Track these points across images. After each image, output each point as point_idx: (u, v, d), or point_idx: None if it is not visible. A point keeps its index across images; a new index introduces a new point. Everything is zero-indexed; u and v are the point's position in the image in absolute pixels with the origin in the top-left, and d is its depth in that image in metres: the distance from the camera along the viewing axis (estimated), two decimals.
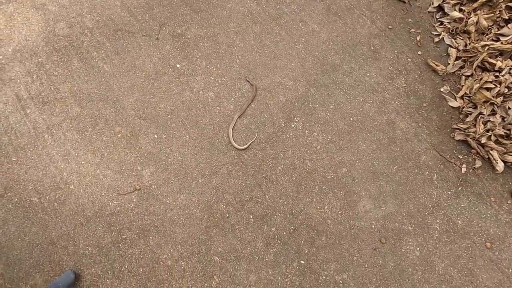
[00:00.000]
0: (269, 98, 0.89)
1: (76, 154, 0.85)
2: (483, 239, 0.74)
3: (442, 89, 0.88)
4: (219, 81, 0.92)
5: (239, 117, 0.87)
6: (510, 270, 0.71)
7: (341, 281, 0.71)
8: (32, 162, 0.85)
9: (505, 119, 0.79)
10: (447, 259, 0.73)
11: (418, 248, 0.74)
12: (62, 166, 0.84)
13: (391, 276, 0.71)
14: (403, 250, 0.74)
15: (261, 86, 0.91)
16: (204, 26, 0.99)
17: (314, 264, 0.73)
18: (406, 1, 1.00)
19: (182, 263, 0.75)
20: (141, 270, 0.74)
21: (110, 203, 0.80)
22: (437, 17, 0.97)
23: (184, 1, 1.03)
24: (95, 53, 0.97)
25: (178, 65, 0.94)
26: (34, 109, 0.91)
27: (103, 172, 0.83)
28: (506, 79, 0.82)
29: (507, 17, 0.88)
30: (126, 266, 0.75)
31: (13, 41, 1.00)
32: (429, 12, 0.98)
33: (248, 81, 0.91)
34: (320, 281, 0.72)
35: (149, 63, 0.95)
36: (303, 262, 0.74)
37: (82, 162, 0.84)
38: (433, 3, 0.98)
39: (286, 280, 0.72)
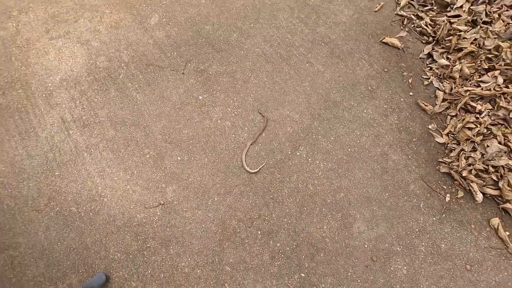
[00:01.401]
0: (278, 129, 1.03)
1: (110, 171, 0.99)
2: (463, 262, 0.84)
3: (430, 127, 1.01)
4: (235, 112, 1.06)
5: (251, 144, 1.00)
6: None
7: None
8: (72, 176, 0.98)
9: (484, 156, 0.90)
10: (431, 278, 0.82)
11: (405, 267, 0.84)
12: (97, 181, 0.97)
13: None
14: (392, 269, 0.84)
15: (272, 118, 1.04)
16: (224, 63, 1.15)
17: (313, 277, 0.83)
18: (400, 48, 1.14)
19: (198, 271, 0.85)
20: (162, 276, 0.85)
21: (138, 215, 0.92)
22: (427, 63, 1.11)
23: (207, 41, 1.19)
24: (129, 84, 1.13)
25: (200, 97, 1.09)
26: (76, 131, 1.06)
27: (132, 188, 0.96)
28: (485, 120, 0.94)
29: (486, 67, 1.01)
30: (149, 271, 0.86)
31: (61, 71, 1.17)
32: (420, 58, 1.12)
33: (260, 113, 1.05)
34: None
35: (175, 94, 1.10)
36: (303, 275, 0.84)
37: (115, 178, 0.97)
38: (423, 51, 1.12)
39: None
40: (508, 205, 0.86)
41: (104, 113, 1.06)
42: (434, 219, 0.88)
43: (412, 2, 1.22)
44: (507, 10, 1.11)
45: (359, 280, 0.82)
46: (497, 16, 1.10)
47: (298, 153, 0.98)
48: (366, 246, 0.86)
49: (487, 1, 1.14)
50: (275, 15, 1.23)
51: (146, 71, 1.13)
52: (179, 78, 1.12)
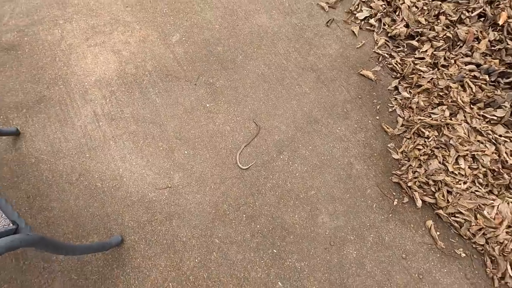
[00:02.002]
0: (268, 136, 1.27)
1: (130, 157, 1.22)
2: (401, 252, 1.06)
3: (389, 145, 1.25)
4: (235, 120, 1.30)
5: (245, 146, 1.24)
6: (416, 275, 1.03)
7: (299, 267, 1.04)
8: (99, 159, 1.22)
9: (426, 171, 1.15)
10: (373, 262, 1.05)
11: (355, 252, 1.06)
12: (119, 164, 1.21)
13: (334, 267, 1.03)
14: (344, 252, 1.06)
15: (263, 127, 1.29)
16: (229, 79, 1.40)
17: (283, 253, 1.06)
18: (374, 80, 1.39)
19: (193, 241, 1.08)
20: (164, 242, 1.08)
21: (149, 194, 1.16)
22: (393, 94, 1.36)
23: (217, 60, 1.45)
24: (151, 88, 1.38)
25: (207, 105, 1.34)
26: (105, 123, 1.30)
27: (146, 172, 1.19)
28: (430, 144, 1.18)
29: (437, 102, 1.26)
30: (154, 238, 1.09)
31: (96, 73, 1.42)
32: (388, 89, 1.38)
33: (254, 122, 1.30)
34: (285, 265, 1.04)
35: (187, 100, 1.35)
36: (275, 251, 1.07)
37: (133, 163, 1.21)
38: (391, 84, 1.38)
39: (262, 261, 1.05)
40: (440, 211, 1.10)
41: (129, 110, 1.31)
42: (383, 217, 1.12)
43: (388, 42, 1.49)
44: (462, 57, 1.38)
45: (318, 259, 1.05)
46: (453, 61, 1.36)
47: (281, 157, 1.22)
48: (327, 233, 1.09)
49: (447, 48, 1.41)
50: (275, 43, 1.49)
51: (165, 79, 1.39)
52: (191, 88, 1.37)
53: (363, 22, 1.55)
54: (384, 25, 1.53)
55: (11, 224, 0.64)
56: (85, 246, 0.90)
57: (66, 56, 1.44)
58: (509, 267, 0.99)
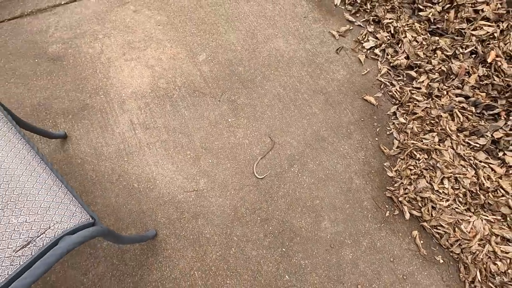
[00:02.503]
0: (281, 150, 1.47)
1: (162, 163, 1.42)
2: (389, 256, 1.26)
3: (385, 164, 1.45)
4: (253, 134, 1.50)
5: (261, 158, 1.44)
6: (401, 276, 1.23)
7: (304, 264, 1.24)
8: (136, 162, 1.42)
9: (415, 189, 1.34)
10: (366, 263, 1.25)
11: (351, 254, 1.26)
12: (153, 169, 1.41)
13: (333, 266, 1.24)
14: (342, 253, 1.26)
15: (277, 142, 1.49)
16: (249, 97, 1.60)
17: (290, 252, 1.26)
18: (375, 105, 1.59)
19: (215, 237, 1.28)
20: (191, 237, 1.28)
21: (178, 195, 1.35)
22: (392, 119, 1.56)
23: (239, 79, 1.64)
24: (180, 102, 1.57)
25: (229, 120, 1.53)
26: (140, 131, 1.49)
27: (176, 177, 1.39)
28: (420, 165, 1.38)
29: (429, 129, 1.46)
30: (183, 233, 1.28)
31: (132, 85, 1.61)
32: (387, 114, 1.57)
33: (270, 137, 1.49)
34: (292, 262, 1.24)
35: (212, 115, 1.54)
36: (284, 249, 1.27)
37: (165, 168, 1.41)
38: (390, 110, 1.58)
39: (273, 258, 1.25)
40: (425, 224, 1.30)
41: (161, 121, 1.51)
42: (376, 226, 1.32)
43: (390, 71, 1.68)
44: (453, 89, 1.57)
45: (320, 258, 1.25)
46: (445, 92, 1.56)
47: (292, 169, 1.42)
48: (328, 237, 1.29)
49: (441, 80, 1.60)
50: (290, 66, 1.69)
51: (193, 95, 1.58)
52: (216, 104, 1.56)
53: (369, 51, 1.75)
54: (388, 55, 1.72)
55: (90, 218, 0.84)
56: (131, 237, 1.10)
57: (105, 68, 1.63)
58: (478, 273, 1.19)
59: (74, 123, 1.47)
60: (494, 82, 1.52)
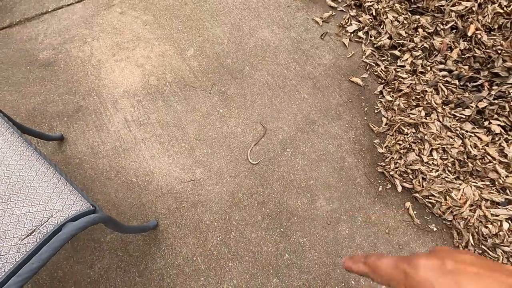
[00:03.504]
0: (273, 136, 1.51)
1: (158, 156, 1.46)
2: (384, 228, 1.30)
3: (375, 141, 1.49)
4: (244, 123, 1.54)
5: (254, 145, 1.48)
6: (397, 246, 1.27)
7: (302, 242, 1.28)
8: (132, 158, 1.45)
9: (405, 162, 1.38)
10: (362, 236, 1.29)
11: (347, 229, 1.30)
12: (150, 163, 1.44)
13: (330, 242, 1.28)
14: (339, 229, 1.30)
15: (269, 128, 1.52)
16: (238, 88, 1.63)
17: (288, 231, 1.30)
18: (362, 86, 1.63)
19: (215, 223, 1.32)
20: (191, 225, 1.31)
21: (176, 186, 1.39)
22: (379, 98, 1.60)
23: (227, 71, 1.68)
24: (172, 97, 1.61)
25: (221, 110, 1.57)
26: (135, 128, 1.53)
27: (173, 168, 1.43)
28: (409, 139, 1.42)
29: (415, 104, 1.50)
30: (183, 222, 1.32)
31: (123, 85, 1.65)
32: (374, 94, 1.61)
33: (261, 124, 1.53)
34: (291, 240, 1.28)
35: (204, 107, 1.58)
36: (282, 230, 1.30)
37: (161, 161, 1.44)
38: (377, 89, 1.62)
39: (272, 238, 1.29)
40: (417, 195, 1.34)
41: (154, 117, 1.54)
42: (370, 201, 1.36)
43: (374, 53, 1.72)
44: (437, 65, 1.61)
45: (317, 235, 1.29)
46: (429, 68, 1.60)
47: (285, 153, 1.46)
48: (324, 215, 1.33)
49: (424, 57, 1.64)
50: (276, 55, 1.72)
51: (184, 89, 1.62)
52: (207, 96, 1.60)
53: (352, 35, 1.79)
54: (371, 37, 1.76)
55: (91, 206, 0.88)
56: (132, 227, 1.14)
57: (96, 70, 1.66)
58: (471, 237, 1.23)
59: (70, 125, 1.50)
60: (476, 54, 1.56)
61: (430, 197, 1.32)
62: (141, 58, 1.70)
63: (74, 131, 1.48)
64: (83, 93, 1.59)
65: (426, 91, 1.51)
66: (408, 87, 1.55)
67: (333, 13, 1.87)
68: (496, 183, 1.30)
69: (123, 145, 1.45)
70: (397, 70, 1.62)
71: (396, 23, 1.73)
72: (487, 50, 1.54)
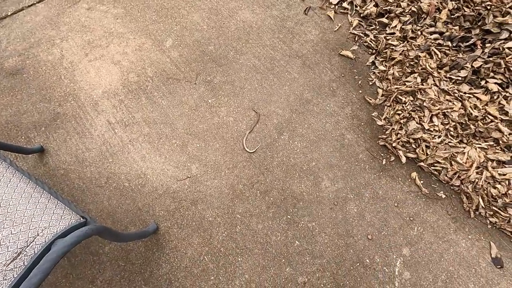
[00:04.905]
0: (267, 121, 1.44)
1: (149, 156, 1.37)
2: (393, 202, 1.27)
3: (373, 114, 1.44)
4: (236, 111, 1.46)
5: (249, 133, 1.40)
6: (407, 218, 1.24)
7: (311, 226, 1.23)
8: (122, 161, 1.36)
9: (407, 132, 1.34)
10: (372, 213, 1.25)
11: (355, 208, 1.26)
12: (141, 164, 1.35)
13: (340, 222, 1.23)
14: (347, 209, 1.26)
15: (262, 113, 1.45)
16: (225, 75, 1.54)
17: (295, 217, 1.25)
18: (353, 58, 1.56)
19: (218, 219, 1.25)
20: (193, 224, 1.25)
21: (173, 185, 1.31)
22: (372, 69, 1.54)
23: (211, 58, 1.59)
24: (155, 93, 1.51)
25: (209, 101, 1.48)
26: (120, 129, 1.43)
27: (166, 167, 1.35)
28: (408, 108, 1.37)
29: (409, 71, 1.45)
30: (184, 221, 1.25)
31: (101, 85, 1.53)
32: (367, 65, 1.55)
33: (254, 110, 1.45)
34: (299, 227, 1.23)
35: (191, 99, 1.49)
36: (289, 216, 1.25)
37: (153, 161, 1.36)
38: (369, 60, 1.55)
39: (279, 227, 1.23)
40: (422, 164, 1.30)
41: (139, 115, 1.44)
42: (375, 176, 1.31)
43: (361, 23, 1.65)
44: (427, 28, 1.55)
45: (326, 218, 1.24)
46: (420, 33, 1.54)
47: (282, 137, 1.39)
48: (330, 196, 1.28)
49: (413, 21, 1.58)
50: (260, 36, 1.63)
51: (167, 83, 1.52)
52: (192, 87, 1.51)
53: (337, 7, 1.70)
54: (356, 6, 1.69)
55: (81, 218, 0.79)
56: (131, 234, 1.06)
57: (70, 73, 1.54)
58: (480, 200, 1.21)
59: (49, 135, 1.39)
60: (465, 13, 1.51)
61: (435, 165, 1.29)
62: (117, 54, 1.58)
63: (54, 141, 1.38)
64: (58, 99, 1.47)
65: (420, 56, 1.45)
66: (400, 54, 1.49)
67: None
68: (500, 142, 1.27)
69: (110, 149, 1.36)
70: (387, 38, 1.56)
71: None
72: (477, 7, 1.49)
